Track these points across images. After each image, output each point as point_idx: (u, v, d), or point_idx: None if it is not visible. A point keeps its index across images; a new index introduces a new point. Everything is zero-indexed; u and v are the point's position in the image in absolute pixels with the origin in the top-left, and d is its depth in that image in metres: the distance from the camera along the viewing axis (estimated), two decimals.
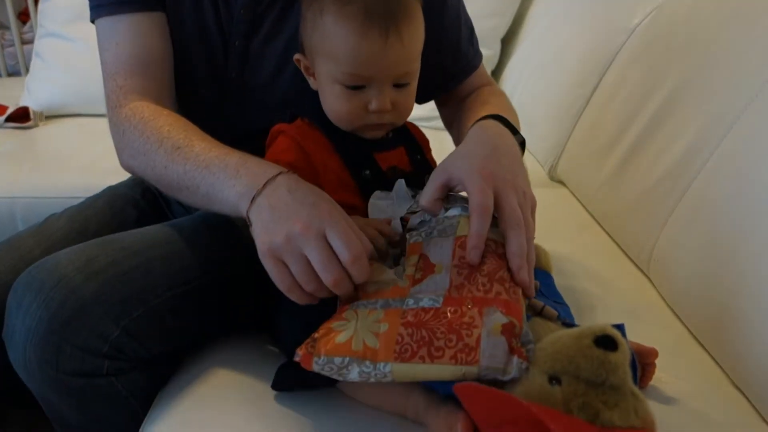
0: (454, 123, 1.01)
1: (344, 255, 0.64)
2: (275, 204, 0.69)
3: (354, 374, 0.62)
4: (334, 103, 0.82)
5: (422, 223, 0.75)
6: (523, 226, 0.69)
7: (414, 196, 0.81)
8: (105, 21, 0.91)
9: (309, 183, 0.72)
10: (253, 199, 0.70)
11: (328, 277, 0.64)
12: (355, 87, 0.80)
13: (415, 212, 0.77)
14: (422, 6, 0.88)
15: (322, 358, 0.64)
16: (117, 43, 0.90)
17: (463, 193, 0.74)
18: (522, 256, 0.67)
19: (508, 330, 0.59)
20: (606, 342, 0.56)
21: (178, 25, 0.93)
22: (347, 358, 0.63)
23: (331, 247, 0.65)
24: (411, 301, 0.66)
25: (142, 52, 0.90)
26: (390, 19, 0.76)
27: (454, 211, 0.73)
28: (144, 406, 0.82)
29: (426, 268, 0.69)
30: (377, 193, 0.81)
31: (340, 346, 0.64)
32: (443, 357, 0.60)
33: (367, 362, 0.62)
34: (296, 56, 0.86)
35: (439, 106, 1.07)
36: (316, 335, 0.66)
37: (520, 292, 0.65)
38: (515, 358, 0.58)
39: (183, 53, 0.94)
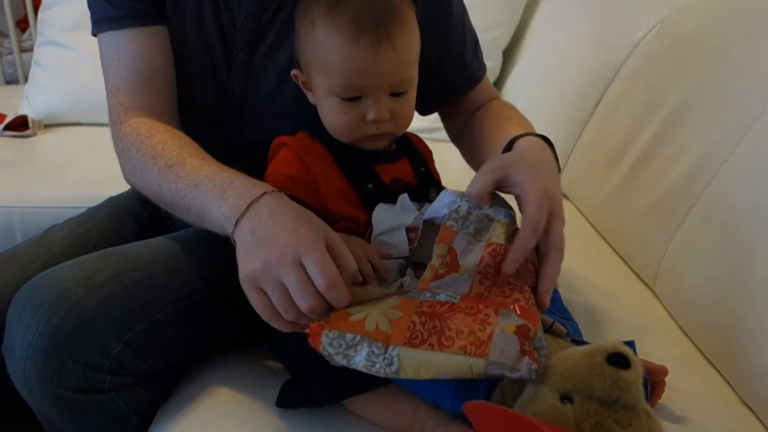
0: (462, 138, 1.01)
1: (319, 281, 0.63)
2: (256, 229, 0.68)
3: (361, 356, 0.61)
4: (332, 116, 0.82)
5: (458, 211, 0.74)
6: (563, 254, 0.70)
7: (419, 209, 0.80)
8: (107, 36, 0.91)
9: (294, 203, 0.71)
10: (237, 222, 0.69)
11: (303, 304, 0.63)
12: (352, 98, 0.79)
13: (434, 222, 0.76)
14: (426, 17, 0.89)
15: (333, 332, 0.62)
16: (119, 58, 0.90)
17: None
18: (554, 281, 0.68)
19: (522, 331, 0.59)
20: (618, 360, 0.55)
21: (180, 37, 0.93)
22: (358, 336, 0.62)
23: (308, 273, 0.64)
24: (428, 294, 0.65)
25: (144, 67, 0.90)
26: (380, 27, 0.75)
27: (495, 213, 0.72)
28: (145, 422, 0.81)
29: (451, 265, 0.69)
30: (381, 205, 0.80)
31: (354, 323, 0.63)
32: (453, 346, 0.59)
33: (378, 344, 0.61)
34: (293, 72, 0.86)
35: (444, 117, 1.06)
36: (330, 313, 0.64)
37: (535, 304, 0.65)
38: (526, 359, 0.58)
39: (185, 65, 0.94)
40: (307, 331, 0.63)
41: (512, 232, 0.72)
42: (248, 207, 0.69)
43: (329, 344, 0.62)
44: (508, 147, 0.81)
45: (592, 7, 1.59)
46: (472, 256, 0.69)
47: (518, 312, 0.61)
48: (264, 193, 0.70)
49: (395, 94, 0.80)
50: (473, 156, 0.98)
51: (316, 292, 0.63)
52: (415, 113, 1.03)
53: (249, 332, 0.86)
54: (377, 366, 0.61)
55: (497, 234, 0.70)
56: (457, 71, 0.99)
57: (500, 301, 0.63)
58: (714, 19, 1.14)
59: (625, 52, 1.32)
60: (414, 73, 0.83)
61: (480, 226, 0.71)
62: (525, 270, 0.68)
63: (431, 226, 0.76)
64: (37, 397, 0.75)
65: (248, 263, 0.66)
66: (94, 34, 0.93)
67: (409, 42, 0.80)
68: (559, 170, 0.83)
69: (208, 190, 0.74)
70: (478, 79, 1.01)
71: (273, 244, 0.65)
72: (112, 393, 0.77)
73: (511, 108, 0.99)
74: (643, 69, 1.26)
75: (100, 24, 0.91)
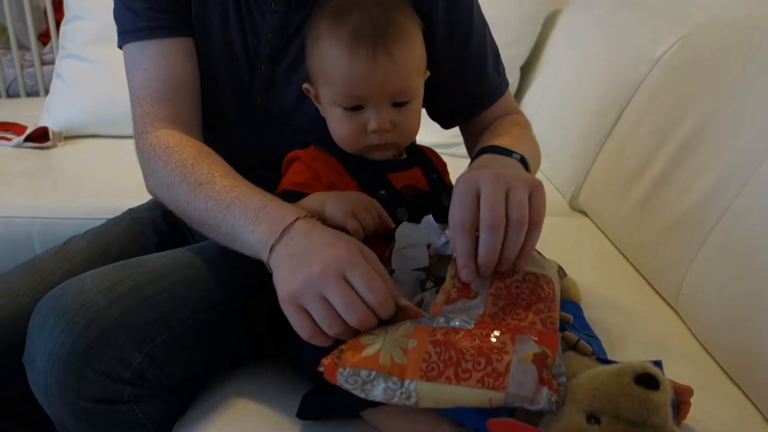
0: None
1: (370, 298, 0.63)
2: (293, 251, 0.68)
3: (378, 390, 0.61)
4: (336, 126, 0.84)
5: None
6: (530, 224, 0.67)
7: (444, 230, 0.79)
8: (133, 47, 0.92)
9: (326, 227, 0.71)
10: (272, 249, 0.70)
11: (353, 318, 0.63)
12: (353, 108, 0.82)
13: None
14: (446, 32, 0.91)
15: (348, 369, 0.62)
16: (145, 69, 0.91)
17: None
18: (523, 256, 0.67)
19: (540, 360, 0.58)
20: (647, 380, 0.54)
21: (205, 48, 0.94)
22: (373, 372, 0.61)
23: (351, 287, 0.64)
24: (442, 320, 0.65)
25: (170, 78, 0.91)
26: (378, 38, 0.78)
27: None
28: None
29: (463, 288, 0.68)
30: (405, 223, 0.80)
31: (368, 359, 0.62)
32: (470, 379, 0.58)
33: (394, 378, 0.61)
34: (305, 85, 0.88)
35: (465, 133, 1.06)
36: (343, 347, 0.64)
37: (557, 325, 0.64)
38: (545, 390, 0.57)
39: (209, 77, 0.94)
40: (321, 369, 0.63)
41: None
42: (283, 233, 0.70)
43: (345, 381, 0.62)
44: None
45: (612, 23, 1.59)
46: (482, 279, 0.68)
47: (536, 338, 0.60)
48: (297, 219, 0.71)
49: (397, 105, 0.82)
50: None
51: (364, 305, 0.63)
52: (436, 126, 1.04)
53: (269, 344, 0.86)
54: (395, 399, 0.60)
55: None
56: (478, 85, 0.99)
57: (516, 325, 0.62)
58: (735, 36, 1.14)
59: (645, 69, 1.32)
60: (416, 83, 0.84)
61: None
62: (537, 287, 0.67)
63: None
64: (57, 407, 0.75)
65: (288, 283, 0.66)
66: (120, 46, 0.94)
67: (409, 52, 0.81)
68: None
69: (239, 212, 0.74)
70: (500, 93, 1.01)
71: (313, 259, 0.65)
72: (132, 404, 0.77)
73: (513, 124, 0.98)
74: (664, 86, 1.25)
75: (126, 35, 0.92)
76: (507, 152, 0.82)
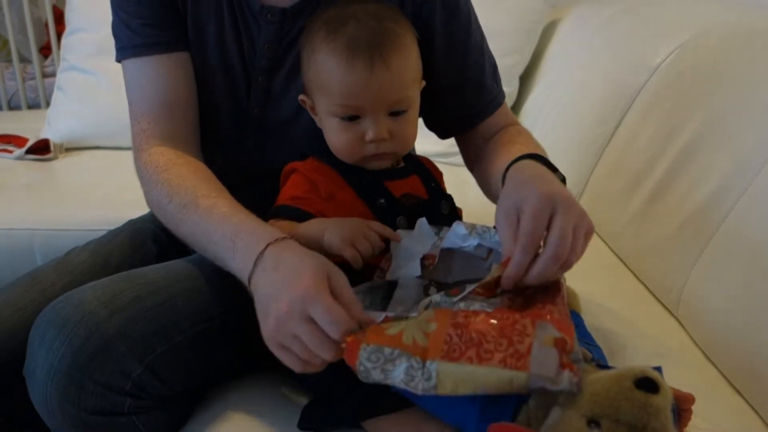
0: (477, 163, 1.00)
1: (334, 335, 0.63)
2: (266, 285, 0.69)
3: (400, 370, 0.60)
4: (334, 137, 0.84)
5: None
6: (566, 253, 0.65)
7: (438, 233, 0.80)
8: (130, 63, 0.93)
9: (296, 247, 0.71)
10: (249, 281, 0.71)
11: (325, 356, 0.63)
12: (350, 118, 0.82)
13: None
14: (444, 42, 0.92)
15: (371, 346, 0.62)
16: (141, 86, 0.92)
17: None
18: (543, 277, 0.65)
19: (560, 344, 0.58)
20: (647, 384, 0.54)
21: (202, 61, 0.94)
22: (397, 350, 0.61)
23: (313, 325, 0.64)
24: (462, 304, 0.65)
25: (166, 95, 0.92)
26: (374, 48, 0.78)
27: None
28: None
29: (488, 289, 0.67)
30: (400, 231, 0.81)
31: (392, 337, 0.62)
32: (492, 360, 0.58)
33: (417, 358, 0.60)
34: (301, 97, 0.89)
35: (461, 144, 1.05)
36: (365, 330, 0.64)
37: (570, 319, 0.64)
38: (566, 372, 0.57)
39: (206, 89, 0.95)
40: (343, 345, 0.63)
41: None
42: (255, 263, 0.71)
43: (367, 359, 0.61)
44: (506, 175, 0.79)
45: (610, 32, 1.60)
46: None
47: (554, 324, 0.60)
48: (267, 245, 0.71)
49: (394, 114, 0.83)
50: (483, 184, 0.98)
51: (332, 341, 0.63)
52: (434, 136, 1.04)
53: (269, 355, 0.86)
54: (416, 380, 0.60)
55: None
56: (476, 96, 0.99)
57: (536, 312, 0.62)
58: (733, 43, 1.14)
59: (643, 78, 1.32)
60: (413, 93, 0.85)
61: None
62: (555, 288, 0.67)
63: (448, 252, 0.77)
64: (57, 419, 0.75)
65: (264, 326, 0.68)
66: (119, 61, 0.95)
67: (406, 62, 0.82)
68: (564, 183, 0.81)
69: (219, 239, 0.76)
70: (497, 104, 1.01)
71: (281, 301, 0.65)
72: (132, 416, 0.77)
73: (521, 134, 0.97)
74: (662, 94, 1.26)
75: (124, 51, 0.93)
76: (554, 168, 0.81)
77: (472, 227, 0.77)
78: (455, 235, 0.77)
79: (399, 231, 0.81)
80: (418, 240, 0.80)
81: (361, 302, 0.69)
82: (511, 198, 0.70)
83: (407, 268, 0.78)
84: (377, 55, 0.78)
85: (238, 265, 0.73)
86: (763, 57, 1.04)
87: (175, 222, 0.83)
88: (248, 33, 0.92)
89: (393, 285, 0.77)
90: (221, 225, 0.77)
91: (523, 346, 0.58)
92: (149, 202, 0.89)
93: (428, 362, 0.60)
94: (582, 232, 0.67)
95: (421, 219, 0.81)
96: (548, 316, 0.61)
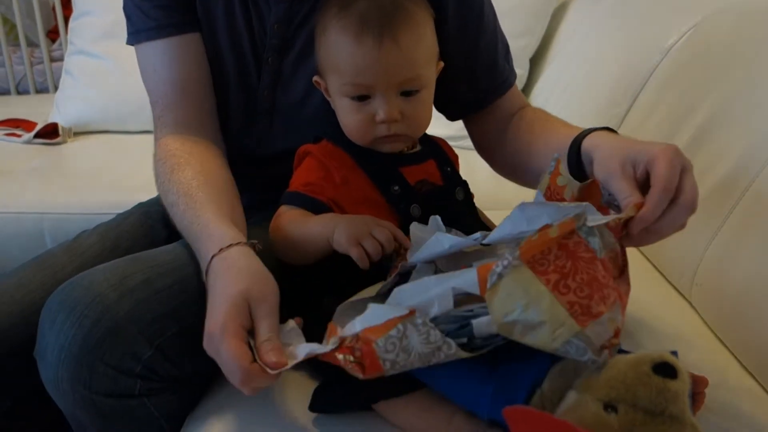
0: (499, 144, 0.99)
1: (234, 382, 0.66)
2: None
3: (414, 336, 0.58)
4: (345, 117, 0.83)
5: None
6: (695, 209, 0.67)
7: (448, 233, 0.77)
8: (143, 47, 0.93)
9: (232, 265, 0.72)
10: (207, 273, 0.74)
11: (238, 386, 0.66)
12: (361, 98, 0.80)
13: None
14: (457, 22, 0.90)
15: (381, 338, 0.60)
16: (155, 69, 0.92)
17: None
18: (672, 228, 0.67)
19: (616, 332, 0.57)
20: (665, 369, 0.54)
21: (211, 42, 0.93)
22: (399, 325, 0.59)
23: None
24: (585, 228, 0.60)
25: (179, 77, 0.91)
26: (385, 25, 0.77)
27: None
28: (175, 428, 0.81)
29: (615, 229, 0.64)
30: (415, 224, 0.78)
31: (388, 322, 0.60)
32: (566, 295, 0.56)
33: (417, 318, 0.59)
34: (315, 78, 0.87)
35: (472, 127, 1.05)
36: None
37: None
38: (606, 352, 0.56)
39: (216, 70, 0.94)
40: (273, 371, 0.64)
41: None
42: (206, 273, 0.74)
43: (385, 352, 0.59)
44: (577, 143, 0.78)
45: (622, 14, 1.58)
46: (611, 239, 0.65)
47: (622, 314, 0.59)
48: (212, 258, 0.73)
49: (406, 94, 0.81)
50: (514, 164, 0.97)
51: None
52: (443, 119, 1.03)
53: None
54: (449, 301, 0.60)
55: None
56: (489, 76, 0.98)
57: (620, 293, 0.60)
58: (746, 24, 1.12)
59: (656, 59, 1.30)
60: (427, 72, 0.83)
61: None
62: (628, 280, 0.66)
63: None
64: (69, 401, 0.75)
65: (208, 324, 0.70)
66: (131, 44, 0.95)
67: (417, 40, 0.80)
68: None
69: (192, 243, 0.80)
70: (509, 84, 1.00)
71: (206, 326, 0.69)
72: (143, 398, 0.77)
73: (547, 113, 0.98)
74: (675, 76, 1.24)
75: (137, 35, 0.93)
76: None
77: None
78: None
79: (414, 224, 0.77)
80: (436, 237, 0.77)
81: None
82: (620, 155, 0.70)
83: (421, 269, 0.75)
84: (387, 31, 0.77)
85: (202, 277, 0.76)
86: None
87: (172, 214, 0.85)
88: (258, 12, 0.91)
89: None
90: (188, 233, 0.81)
91: (595, 310, 0.56)
92: (162, 197, 0.90)
93: (507, 255, 0.57)
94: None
95: (433, 217, 0.78)
96: (623, 307, 0.60)
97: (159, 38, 0.91)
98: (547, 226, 0.59)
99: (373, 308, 0.63)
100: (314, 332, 0.68)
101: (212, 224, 0.77)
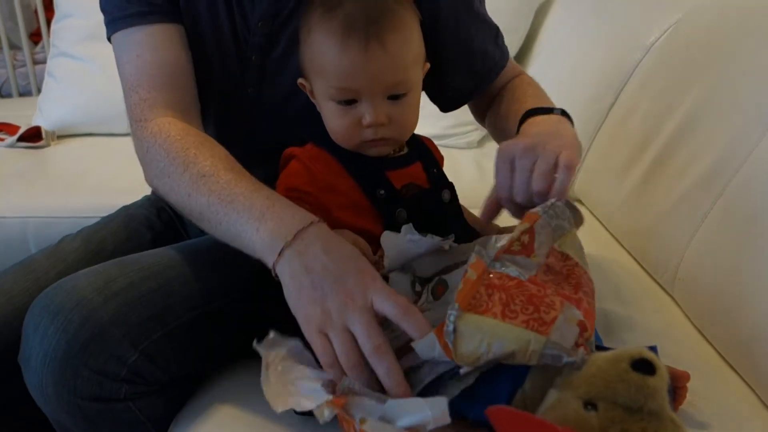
0: (489, 116, 1.04)
1: (406, 324, 0.63)
2: (311, 266, 0.66)
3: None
4: (331, 121, 0.82)
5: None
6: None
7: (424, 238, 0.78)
8: (123, 34, 0.90)
9: (340, 238, 0.70)
10: (281, 252, 0.67)
11: (371, 344, 0.62)
12: (347, 102, 0.79)
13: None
14: (449, 15, 0.91)
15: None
16: (138, 54, 0.88)
17: None
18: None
19: (582, 326, 0.59)
20: (644, 366, 0.54)
21: (194, 38, 0.92)
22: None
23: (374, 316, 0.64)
24: (498, 264, 0.64)
25: (165, 61, 0.88)
26: (370, 28, 0.75)
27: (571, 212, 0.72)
28: (161, 431, 0.80)
29: (526, 247, 0.67)
30: (386, 234, 0.77)
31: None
32: (516, 319, 0.59)
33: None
34: (299, 80, 0.85)
35: (471, 105, 1.09)
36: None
37: (594, 308, 0.65)
38: (581, 349, 0.58)
39: (200, 67, 0.93)
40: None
41: (579, 245, 0.71)
42: (295, 237, 0.68)
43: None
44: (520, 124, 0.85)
45: (604, 11, 1.59)
46: (543, 249, 0.68)
47: (581, 310, 0.61)
48: (311, 223, 0.69)
49: (393, 98, 0.80)
50: (497, 135, 1.01)
51: (383, 335, 0.63)
52: (429, 118, 1.04)
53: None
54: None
55: (568, 243, 0.69)
56: (482, 63, 0.99)
57: (566, 294, 0.63)
58: (727, 20, 1.13)
59: (638, 56, 1.31)
60: (413, 75, 0.82)
61: (557, 224, 0.70)
62: (585, 277, 0.67)
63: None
64: (53, 406, 0.75)
65: (309, 307, 0.65)
66: (109, 36, 0.92)
67: (404, 43, 0.79)
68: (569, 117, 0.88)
69: (243, 209, 0.72)
70: (501, 67, 1.01)
71: (338, 286, 0.64)
72: (128, 402, 0.77)
73: (526, 85, 1.01)
74: (657, 72, 1.25)
75: (116, 23, 0.90)
76: (550, 110, 0.86)
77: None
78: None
79: (384, 235, 0.76)
80: (414, 244, 0.76)
81: None
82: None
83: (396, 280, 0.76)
84: (373, 34, 0.75)
85: (264, 236, 0.69)
86: (756, 33, 1.03)
87: (185, 193, 0.77)
88: (242, 9, 0.91)
89: None
90: (249, 197, 0.73)
91: (548, 317, 0.59)
92: (153, 175, 0.84)
93: (450, 311, 0.60)
94: (546, 156, 0.73)
95: (405, 226, 0.77)
96: (577, 303, 0.62)
97: (141, 24, 0.88)
98: (465, 272, 0.62)
99: (369, 421, 0.61)
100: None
101: (282, 198, 0.74)
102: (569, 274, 0.67)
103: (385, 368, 0.62)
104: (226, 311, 0.83)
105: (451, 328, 0.59)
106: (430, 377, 0.64)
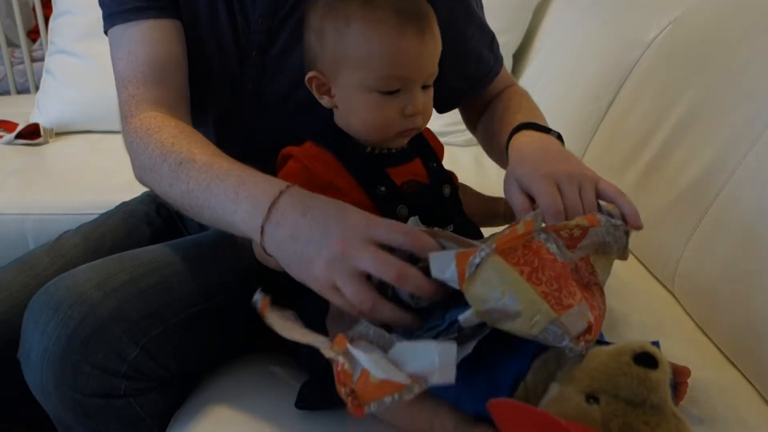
0: (480, 125, 1.04)
1: (407, 239, 0.62)
2: (295, 233, 0.65)
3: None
4: (367, 113, 0.79)
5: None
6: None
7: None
8: (119, 29, 0.90)
9: (314, 194, 0.69)
10: (262, 231, 0.67)
11: (391, 273, 0.60)
12: (391, 92, 0.78)
13: None
14: (447, 17, 0.89)
15: (373, 402, 0.59)
16: (130, 51, 0.88)
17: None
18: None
19: (589, 325, 0.59)
20: (646, 359, 0.54)
21: (194, 36, 0.92)
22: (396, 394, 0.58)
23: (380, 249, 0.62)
24: (544, 236, 0.63)
25: (156, 58, 0.88)
26: (422, 17, 0.77)
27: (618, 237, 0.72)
28: (161, 427, 0.81)
29: (573, 240, 0.67)
30: None
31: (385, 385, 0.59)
32: (539, 285, 0.58)
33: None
34: (311, 74, 0.82)
35: (461, 110, 1.09)
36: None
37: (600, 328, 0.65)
38: (582, 343, 0.57)
39: (199, 64, 0.93)
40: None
41: (608, 272, 0.72)
42: (269, 212, 0.67)
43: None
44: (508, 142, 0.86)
45: (603, 8, 1.59)
46: (581, 252, 0.68)
47: (593, 313, 0.60)
48: (281, 193, 0.68)
49: (425, 87, 0.81)
50: (488, 141, 1.01)
51: (396, 258, 0.61)
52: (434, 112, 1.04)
53: (265, 336, 0.86)
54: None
55: (601, 264, 0.70)
56: (477, 67, 1.00)
57: (587, 296, 0.63)
58: (727, 18, 1.13)
59: (637, 53, 1.32)
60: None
61: (608, 242, 0.70)
62: (600, 301, 0.67)
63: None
64: (54, 402, 0.75)
65: (306, 270, 0.64)
66: (106, 30, 0.92)
67: (439, 36, 0.81)
68: (561, 140, 0.88)
69: (220, 191, 0.72)
70: (495, 72, 1.02)
71: (330, 239, 0.62)
72: (129, 398, 0.77)
73: (520, 96, 1.01)
74: (656, 70, 1.25)
75: (113, 17, 0.90)
76: (547, 129, 0.87)
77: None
78: None
79: None
80: None
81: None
82: (515, 174, 0.78)
83: None
84: (425, 24, 0.77)
85: (243, 216, 0.69)
86: (755, 31, 1.03)
87: (167, 183, 0.77)
88: (241, 5, 0.90)
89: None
90: (223, 178, 0.72)
91: (566, 301, 0.58)
92: (138, 168, 0.84)
93: (483, 246, 0.59)
94: (588, 185, 0.75)
95: (412, 218, 0.78)
96: (592, 309, 0.61)
97: (137, 20, 0.88)
98: (515, 223, 0.62)
99: (376, 353, 0.61)
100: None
101: (254, 171, 0.73)
102: (588, 286, 0.67)
103: (415, 285, 0.61)
104: (226, 308, 0.83)
105: (477, 260, 0.58)
106: (429, 334, 0.63)
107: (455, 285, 0.59)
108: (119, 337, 0.73)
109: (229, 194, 0.71)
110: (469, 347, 0.60)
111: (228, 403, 0.79)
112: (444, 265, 0.60)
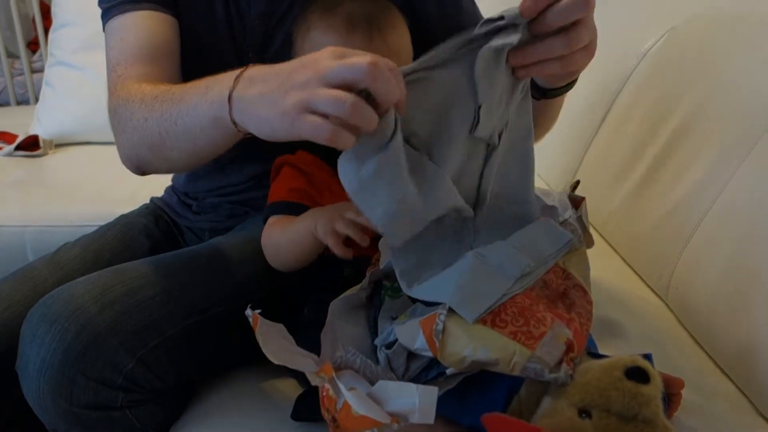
0: None
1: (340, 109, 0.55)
2: (262, 90, 0.61)
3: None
4: None
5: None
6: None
7: None
8: (114, 21, 0.91)
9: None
10: (230, 100, 0.64)
11: (372, 80, 0.56)
12: None
13: None
14: (438, 19, 0.92)
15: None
16: (122, 37, 0.89)
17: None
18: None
19: (569, 345, 0.60)
20: (637, 374, 0.55)
21: (191, 34, 0.93)
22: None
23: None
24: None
25: (147, 43, 0.88)
26: (372, 23, 0.78)
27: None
28: None
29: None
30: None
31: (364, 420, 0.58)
32: (504, 329, 0.59)
33: None
34: None
35: None
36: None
37: (587, 338, 0.65)
38: (564, 366, 0.58)
39: (195, 63, 0.93)
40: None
41: (585, 266, 0.73)
42: (236, 81, 0.64)
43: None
44: None
45: (598, 18, 1.57)
46: (540, 264, 0.68)
47: (572, 330, 0.61)
48: (247, 67, 0.65)
49: None
50: None
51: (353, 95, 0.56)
52: None
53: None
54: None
55: (574, 262, 0.70)
56: None
57: (559, 313, 0.64)
58: (721, 29, 1.14)
59: (632, 63, 1.32)
60: None
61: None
62: (581, 290, 0.68)
63: None
64: (51, 414, 0.75)
65: (278, 105, 0.59)
66: (105, 26, 0.93)
67: (402, 40, 0.81)
68: None
69: (190, 96, 0.71)
70: None
71: (295, 75, 0.59)
72: (126, 410, 0.77)
73: None
74: (652, 80, 1.26)
75: (110, 10, 0.91)
76: None
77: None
78: None
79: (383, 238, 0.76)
80: None
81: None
82: None
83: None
84: (375, 29, 0.78)
85: (212, 97, 0.67)
86: (750, 42, 1.04)
87: (143, 119, 0.77)
88: (237, 7, 0.91)
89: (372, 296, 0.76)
90: (193, 86, 0.72)
91: (536, 331, 0.59)
92: (124, 140, 0.83)
93: (441, 310, 0.60)
94: None
95: None
96: (568, 323, 0.62)
97: (133, 10, 0.89)
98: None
99: (359, 389, 0.60)
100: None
101: (218, 76, 0.70)
102: (566, 293, 0.67)
103: (394, 85, 0.58)
104: (223, 319, 0.83)
105: (440, 327, 0.60)
106: (417, 371, 0.64)
107: (428, 354, 0.61)
108: (115, 349, 0.74)
109: (200, 90, 0.70)
110: (454, 382, 0.61)
111: (225, 415, 0.79)
112: (412, 335, 0.61)
